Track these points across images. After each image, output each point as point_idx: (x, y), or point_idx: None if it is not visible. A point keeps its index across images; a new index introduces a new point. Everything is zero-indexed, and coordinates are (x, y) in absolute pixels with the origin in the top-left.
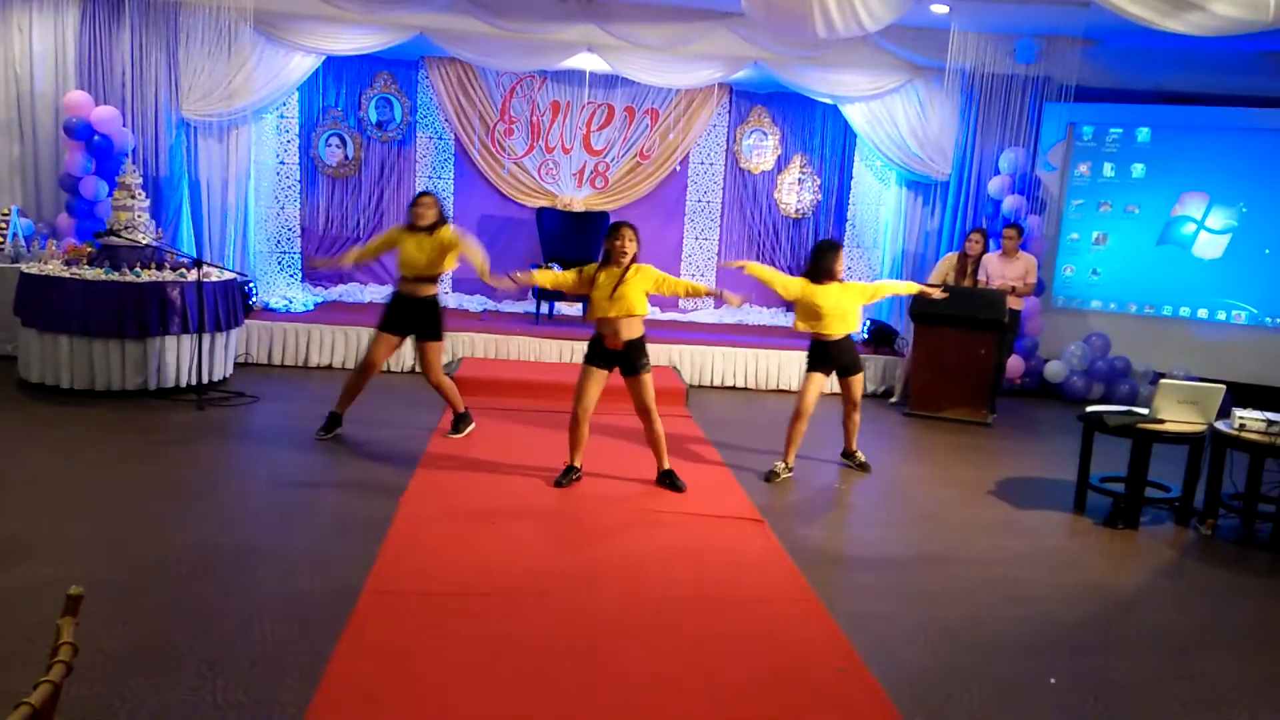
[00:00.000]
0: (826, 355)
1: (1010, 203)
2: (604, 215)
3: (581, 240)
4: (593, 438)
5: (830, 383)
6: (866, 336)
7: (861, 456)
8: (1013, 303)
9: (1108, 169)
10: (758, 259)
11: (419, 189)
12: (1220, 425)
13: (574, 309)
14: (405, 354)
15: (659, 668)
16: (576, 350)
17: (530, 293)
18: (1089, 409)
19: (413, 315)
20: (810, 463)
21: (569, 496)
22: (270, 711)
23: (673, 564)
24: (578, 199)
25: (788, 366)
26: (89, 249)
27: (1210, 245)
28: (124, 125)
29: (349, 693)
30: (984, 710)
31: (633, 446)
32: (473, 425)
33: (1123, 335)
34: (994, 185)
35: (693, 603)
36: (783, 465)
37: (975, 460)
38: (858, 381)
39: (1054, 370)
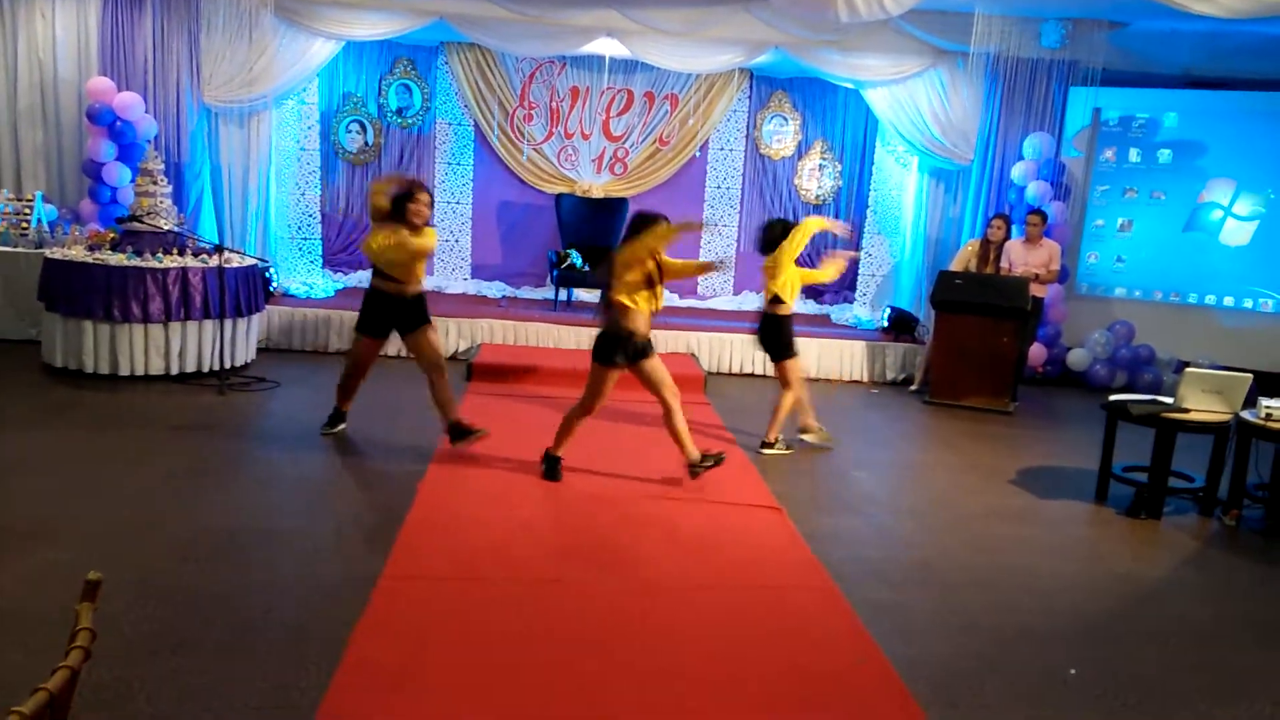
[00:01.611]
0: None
1: (1034, 189)
2: (623, 201)
3: (601, 227)
4: (607, 425)
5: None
6: (887, 324)
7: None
8: (1036, 290)
9: (1134, 154)
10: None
11: (415, 179)
12: (1246, 415)
13: (593, 295)
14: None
15: (676, 655)
16: (594, 337)
17: (550, 278)
18: (1112, 397)
19: (398, 313)
20: (828, 451)
21: (587, 483)
22: (289, 695)
23: (690, 551)
24: (597, 185)
25: (806, 353)
26: (111, 234)
27: (1237, 232)
28: (146, 111)
29: (367, 677)
30: (1003, 700)
31: (648, 433)
32: (483, 432)
33: (1147, 323)
34: (1018, 171)
35: (711, 590)
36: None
37: (996, 449)
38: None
39: (1077, 358)
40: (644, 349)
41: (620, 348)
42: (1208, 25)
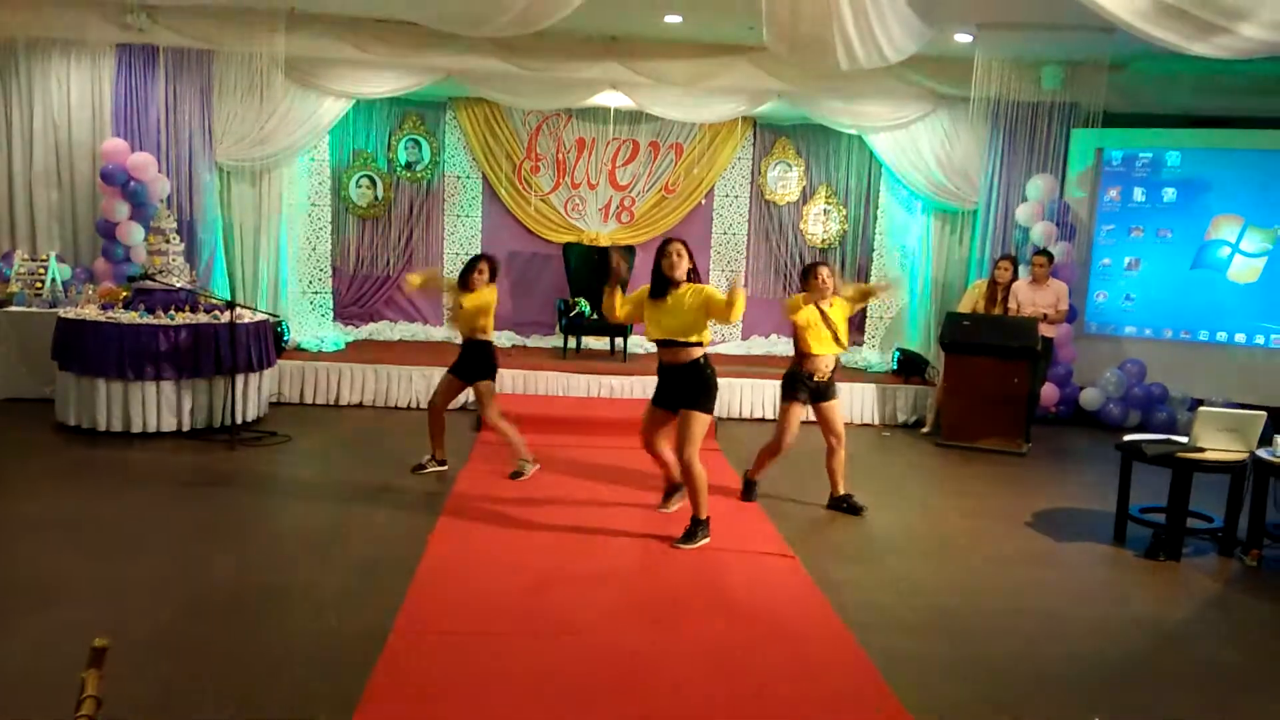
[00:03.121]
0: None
1: (1039, 230)
2: (630, 250)
3: (608, 274)
4: (614, 470)
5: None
6: (896, 366)
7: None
8: (1045, 330)
9: (1138, 194)
10: (784, 291)
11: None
12: (1262, 453)
13: (602, 343)
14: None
15: (691, 705)
16: (604, 384)
17: (558, 326)
18: (1126, 438)
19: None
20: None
21: (597, 532)
22: None
23: (704, 600)
24: (604, 234)
25: None
26: (124, 292)
27: (1246, 269)
28: (159, 171)
29: None
30: None
31: (657, 478)
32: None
33: (1159, 361)
34: (1022, 212)
35: (724, 640)
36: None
37: (1011, 491)
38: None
39: (1089, 398)
40: (828, 390)
41: (801, 384)
42: (1208, 64)
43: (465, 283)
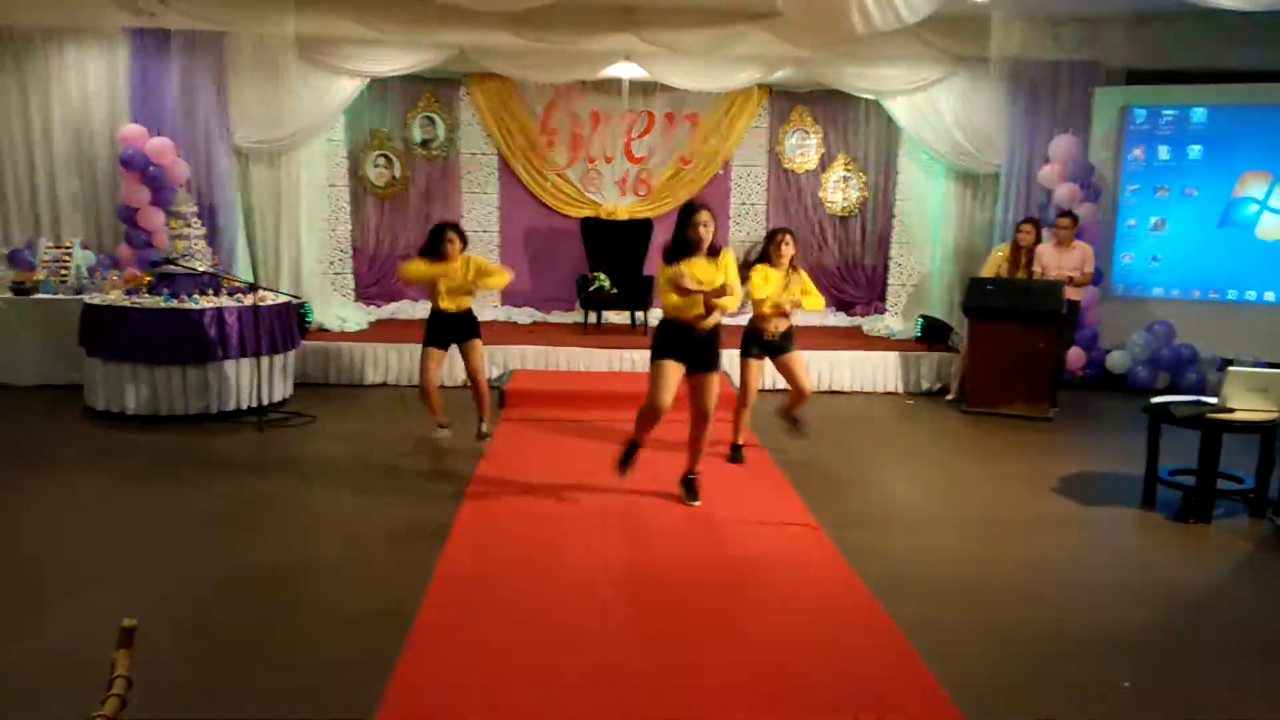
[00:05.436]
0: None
1: (1063, 191)
2: (647, 223)
3: (626, 248)
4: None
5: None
6: (920, 333)
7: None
8: (1071, 293)
9: (1163, 152)
10: (803, 259)
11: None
12: None
13: (622, 317)
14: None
15: (718, 676)
16: (625, 358)
17: (578, 301)
18: (1154, 400)
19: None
20: (864, 465)
21: (623, 505)
22: None
23: (730, 571)
24: (621, 207)
25: (839, 368)
26: (148, 278)
27: (1274, 226)
28: (178, 155)
29: (411, 712)
30: (1055, 715)
31: (679, 451)
32: None
33: (1187, 322)
34: (1045, 174)
35: (751, 610)
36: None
37: (1038, 457)
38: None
39: (1117, 361)
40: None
41: (757, 340)
42: (1231, 17)
43: (441, 254)
